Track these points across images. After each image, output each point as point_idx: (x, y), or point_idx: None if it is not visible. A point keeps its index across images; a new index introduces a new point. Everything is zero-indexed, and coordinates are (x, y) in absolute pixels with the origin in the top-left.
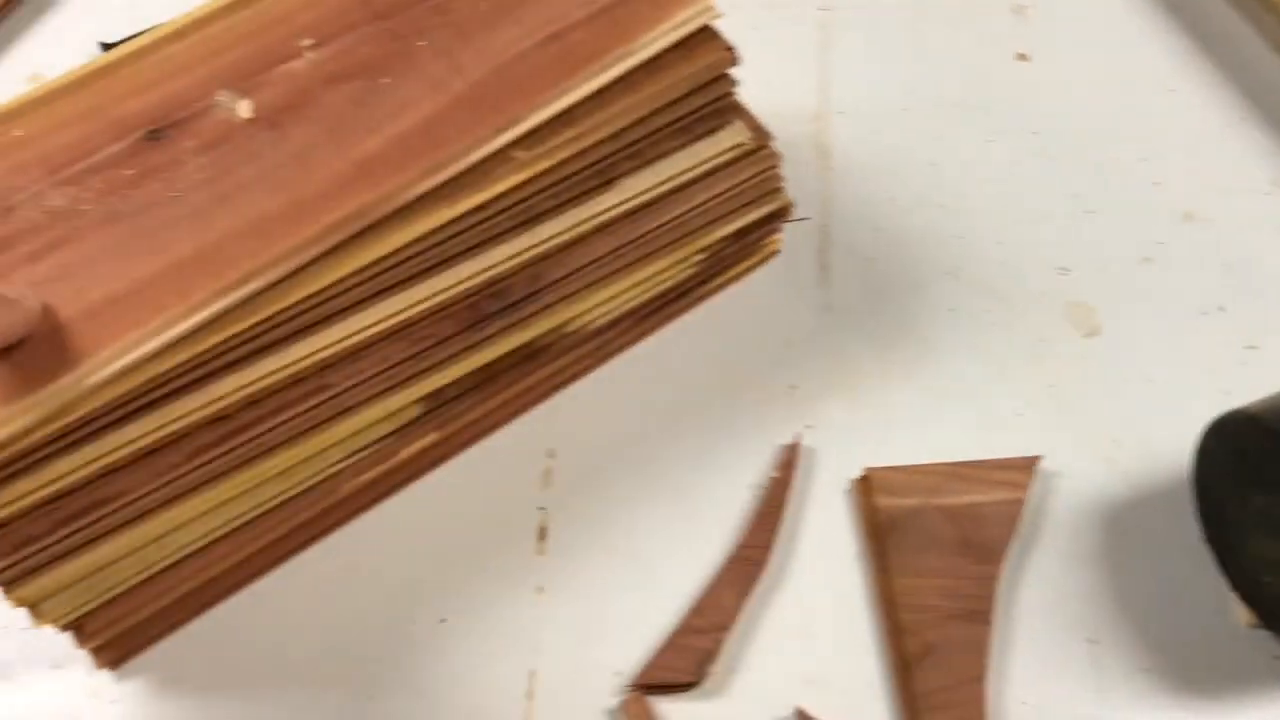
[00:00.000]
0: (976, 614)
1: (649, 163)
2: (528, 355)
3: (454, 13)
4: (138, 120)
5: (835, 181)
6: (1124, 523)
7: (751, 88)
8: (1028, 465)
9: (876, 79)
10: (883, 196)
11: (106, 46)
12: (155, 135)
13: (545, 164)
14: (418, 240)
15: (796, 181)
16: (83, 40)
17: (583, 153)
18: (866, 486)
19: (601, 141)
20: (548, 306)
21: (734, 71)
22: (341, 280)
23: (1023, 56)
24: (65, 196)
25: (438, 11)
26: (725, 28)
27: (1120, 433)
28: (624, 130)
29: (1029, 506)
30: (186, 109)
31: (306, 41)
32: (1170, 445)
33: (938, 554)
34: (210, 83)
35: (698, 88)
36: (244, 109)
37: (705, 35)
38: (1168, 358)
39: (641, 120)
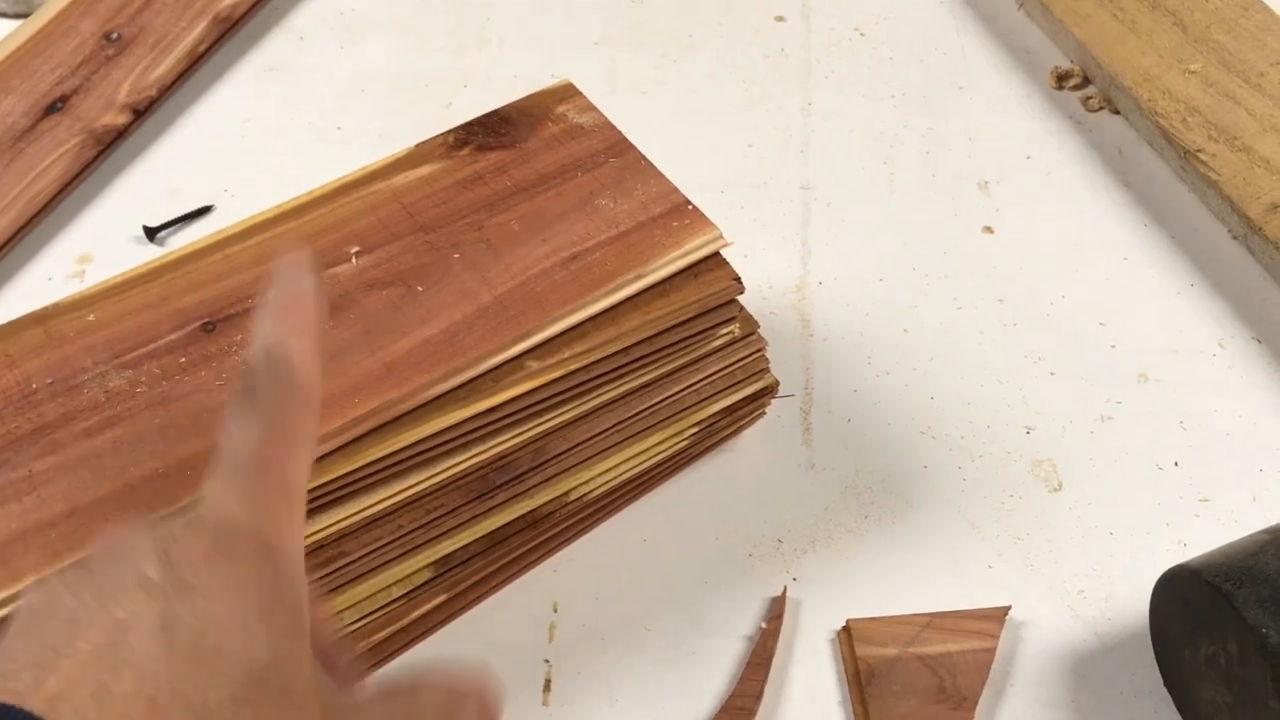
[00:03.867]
0: None
1: (653, 363)
2: (531, 522)
3: (488, 230)
4: (196, 312)
5: (816, 347)
6: (1089, 669)
7: (738, 261)
8: (998, 615)
9: (854, 251)
10: (860, 360)
11: (149, 230)
12: (209, 327)
13: (555, 374)
14: (433, 435)
15: (780, 347)
16: (127, 224)
17: (591, 365)
18: (848, 637)
19: (610, 356)
20: (551, 478)
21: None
22: (363, 466)
23: (988, 229)
24: (124, 378)
25: (474, 228)
26: (715, 206)
27: (1084, 583)
28: (632, 346)
29: (1000, 654)
30: (240, 304)
31: (354, 248)
32: (1131, 595)
33: (916, 701)
34: (263, 282)
35: (705, 311)
36: None
37: (715, 262)
38: (1127, 511)
39: (649, 338)
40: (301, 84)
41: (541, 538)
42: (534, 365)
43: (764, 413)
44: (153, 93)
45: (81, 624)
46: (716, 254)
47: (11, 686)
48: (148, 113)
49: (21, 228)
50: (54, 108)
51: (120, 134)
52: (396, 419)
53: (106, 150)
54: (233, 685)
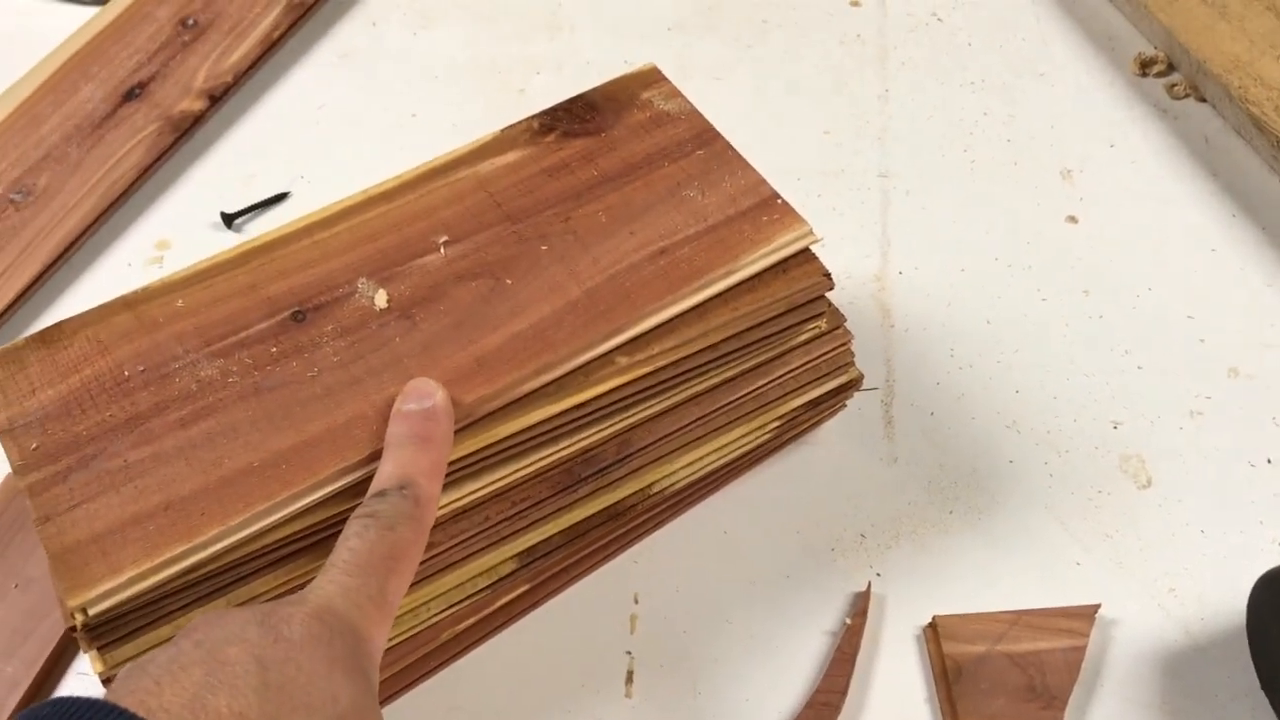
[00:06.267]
0: None
1: (740, 358)
2: (614, 514)
3: (576, 221)
4: (286, 300)
5: (897, 338)
6: (1182, 669)
7: (817, 251)
8: (1088, 614)
9: (934, 241)
10: (943, 352)
11: (226, 217)
12: (299, 316)
13: (644, 369)
14: (523, 430)
15: (860, 338)
16: (205, 211)
17: (679, 361)
18: (935, 633)
19: (698, 351)
20: (635, 471)
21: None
22: (453, 462)
23: (1072, 219)
24: (216, 368)
25: (561, 218)
26: (791, 194)
27: (1175, 581)
28: (720, 342)
29: (1090, 653)
30: (329, 293)
31: (442, 238)
32: (1224, 594)
33: (1005, 700)
34: (352, 270)
35: (793, 307)
36: (380, 299)
37: (804, 258)
38: (1218, 509)
39: (737, 334)
40: (375, 70)
41: (623, 530)
42: (623, 361)
43: (845, 406)
44: (228, 79)
45: (189, 663)
46: (806, 250)
47: (122, 698)
48: (223, 99)
49: (102, 214)
50: (132, 94)
51: (197, 120)
52: (486, 416)
53: (183, 136)
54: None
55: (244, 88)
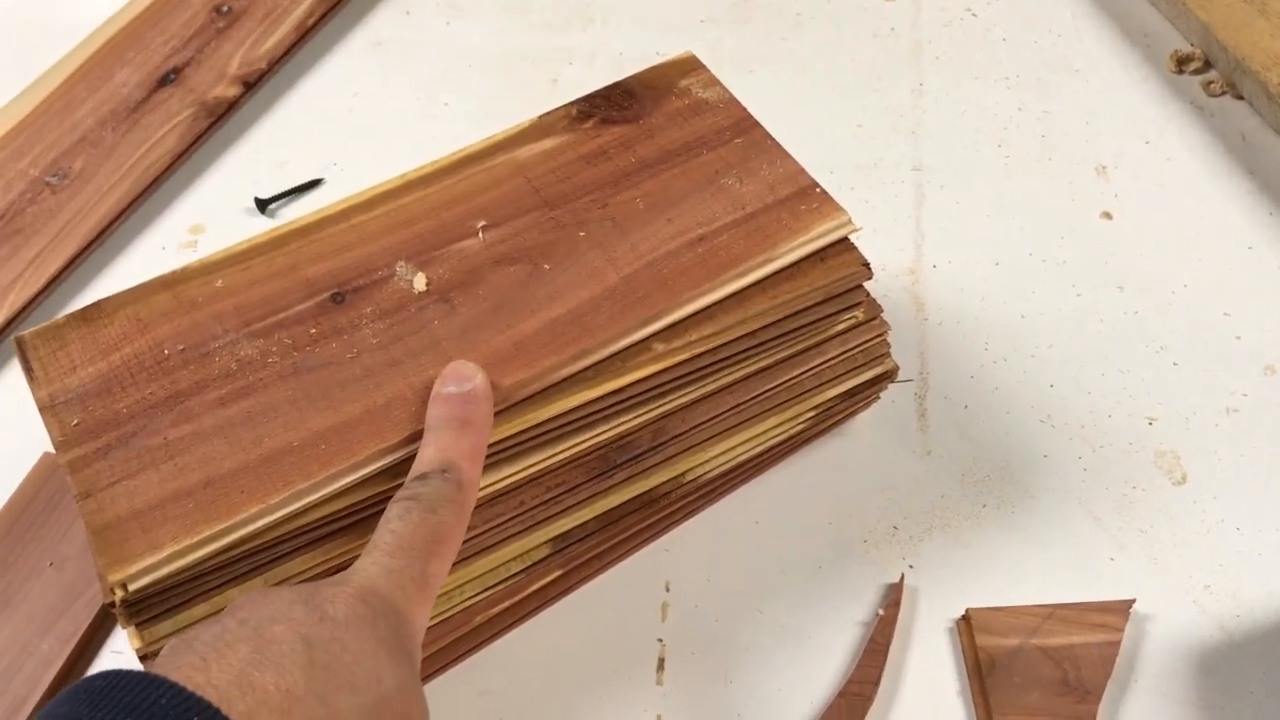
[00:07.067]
0: None
1: (776, 346)
2: (647, 501)
3: (614, 207)
4: (325, 282)
5: (931, 331)
6: (1218, 666)
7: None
8: (1123, 608)
9: (968, 235)
10: (977, 346)
11: (260, 202)
12: (339, 298)
13: (681, 356)
14: (559, 415)
15: (894, 331)
16: (239, 196)
17: (716, 348)
18: (968, 626)
19: (735, 339)
20: (669, 458)
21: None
22: (490, 445)
23: (1107, 215)
24: (255, 348)
25: (599, 205)
26: (826, 188)
27: (1210, 578)
28: (757, 330)
29: (1124, 649)
30: (368, 276)
31: (480, 223)
32: (1260, 591)
33: (1039, 693)
34: (391, 253)
35: (831, 296)
36: (419, 282)
37: (843, 247)
38: (1255, 506)
39: (775, 323)
40: (408, 59)
41: (656, 517)
42: (660, 348)
43: (878, 398)
44: (263, 65)
45: (235, 640)
46: (845, 239)
47: (169, 673)
48: (258, 85)
49: (136, 198)
50: (167, 79)
51: (231, 106)
52: (523, 400)
53: (218, 122)
54: (361, 699)
55: (278, 75)
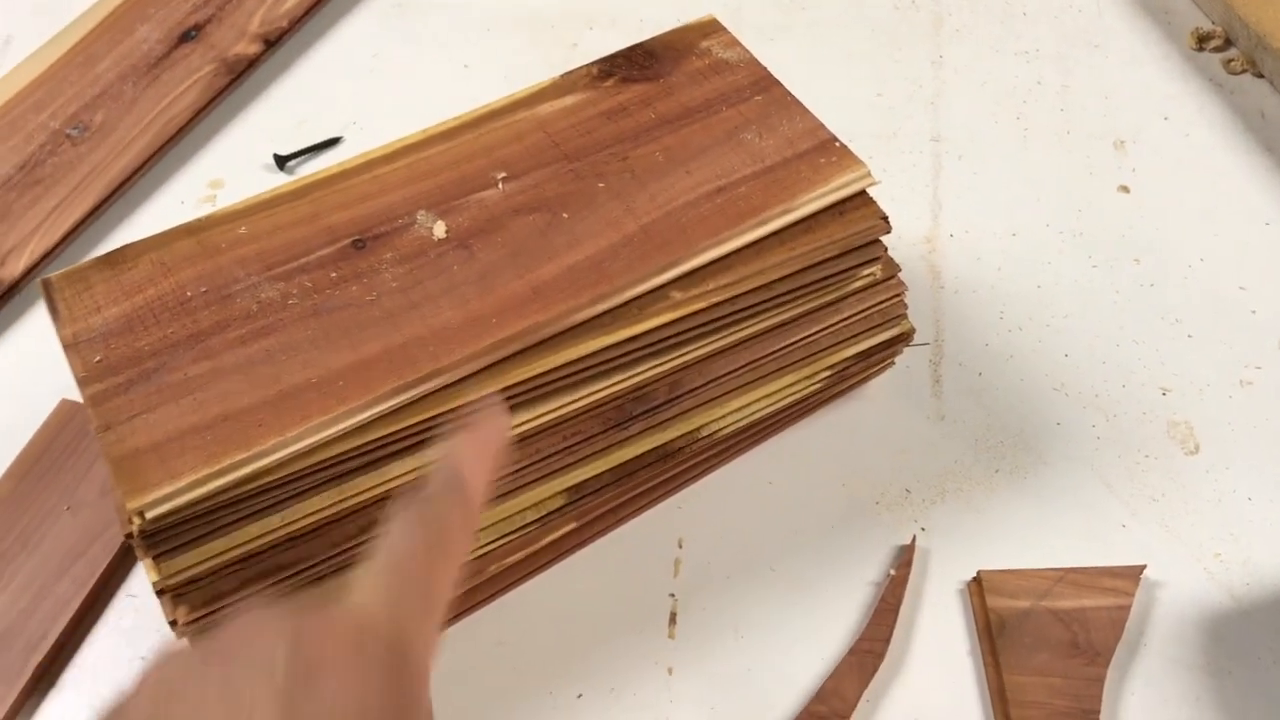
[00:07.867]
0: (1086, 713)
1: (794, 300)
2: (662, 456)
3: (633, 160)
4: (346, 229)
5: (946, 299)
6: (1226, 633)
7: None
8: (1133, 573)
9: (985, 205)
10: (991, 315)
11: (279, 159)
12: (360, 244)
13: (699, 305)
14: (576, 360)
15: (910, 298)
16: (257, 152)
17: (734, 298)
18: (979, 587)
19: (753, 290)
20: (685, 412)
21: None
22: (507, 388)
23: (1124, 188)
24: (277, 290)
25: (618, 158)
26: None
27: (1221, 546)
28: (775, 282)
29: (1134, 613)
30: (389, 224)
31: (501, 174)
32: (1270, 560)
33: (1048, 654)
34: (412, 202)
35: (850, 250)
36: (439, 229)
37: (862, 200)
38: (1266, 477)
39: (793, 274)
40: (429, 20)
41: (670, 472)
42: (678, 295)
43: (893, 362)
44: (283, 24)
45: (205, 710)
46: (863, 192)
47: None
48: (278, 43)
49: (156, 151)
50: (188, 35)
51: (251, 63)
52: (541, 342)
53: (238, 79)
54: None
55: (298, 33)
